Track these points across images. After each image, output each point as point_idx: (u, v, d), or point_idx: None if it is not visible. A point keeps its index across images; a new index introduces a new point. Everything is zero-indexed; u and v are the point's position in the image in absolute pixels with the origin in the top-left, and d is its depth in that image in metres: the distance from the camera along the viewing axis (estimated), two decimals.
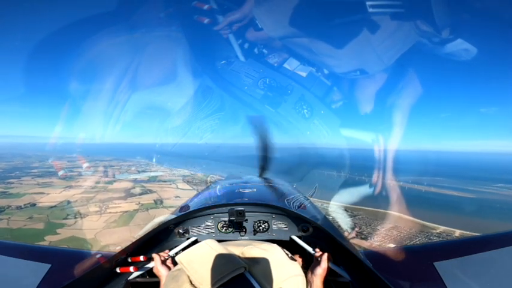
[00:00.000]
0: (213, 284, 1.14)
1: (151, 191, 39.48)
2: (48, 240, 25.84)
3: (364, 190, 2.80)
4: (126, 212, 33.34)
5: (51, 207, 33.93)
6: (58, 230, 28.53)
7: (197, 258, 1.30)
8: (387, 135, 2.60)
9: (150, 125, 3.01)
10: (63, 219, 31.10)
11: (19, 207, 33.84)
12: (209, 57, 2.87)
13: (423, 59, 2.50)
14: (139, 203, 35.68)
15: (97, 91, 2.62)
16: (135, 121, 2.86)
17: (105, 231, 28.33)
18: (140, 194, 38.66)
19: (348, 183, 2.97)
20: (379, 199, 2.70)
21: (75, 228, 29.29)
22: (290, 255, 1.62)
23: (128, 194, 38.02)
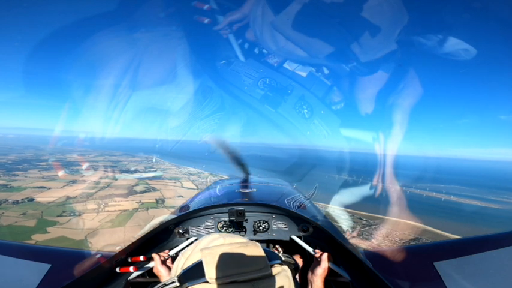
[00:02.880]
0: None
1: (154, 189, 38.67)
2: (35, 240, 24.90)
3: (376, 196, 2.75)
4: (124, 211, 32.44)
5: (49, 202, 33.03)
6: (48, 229, 27.51)
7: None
8: (387, 136, 2.59)
9: (151, 123, 3.02)
10: (57, 216, 30.10)
11: (16, 202, 32.89)
12: (209, 57, 2.88)
13: (427, 61, 2.50)
14: (140, 202, 34.97)
15: (102, 88, 2.64)
16: (136, 119, 2.88)
17: (97, 232, 27.37)
18: (143, 192, 37.70)
19: (360, 189, 2.90)
20: (396, 207, 2.63)
21: (66, 227, 28.26)
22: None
23: (131, 192, 37.14)
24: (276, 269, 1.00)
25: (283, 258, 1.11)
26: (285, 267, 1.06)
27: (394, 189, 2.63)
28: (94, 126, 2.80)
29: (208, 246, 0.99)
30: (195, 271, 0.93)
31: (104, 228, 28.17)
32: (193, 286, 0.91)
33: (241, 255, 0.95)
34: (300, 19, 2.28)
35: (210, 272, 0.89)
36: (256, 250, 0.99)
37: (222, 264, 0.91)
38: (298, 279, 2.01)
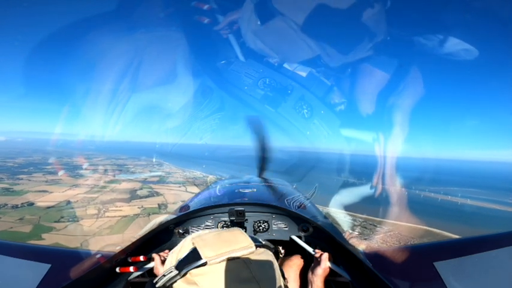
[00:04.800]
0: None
1: (158, 194, 37.95)
2: None
3: (385, 200, 2.70)
4: (125, 216, 31.65)
5: (49, 207, 32.42)
6: (43, 235, 26.88)
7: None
8: (392, 137, 2.56)
9: (151, 124, 3.02)
10: (55, 222, 29.38)
11: (15, 207, 32.35)
12: (209, 57, 2.88)
13: (433, 61, 2.48)
14: (142, 207, 34.41)
15: (105, 91, 2.64)
16: (140, 121, 2.87)
17: (94, 239, 26.68)
18: (146, 197, 37.00)
19: (369, 192, 2.85)
20: (409, 212, 2.57)
21: (62, 233, 27.55)
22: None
23: (133, 196, 36.60)
24: (260, 249, 1.11)
25: (263, 242, 1.21)
26: (266, 249, 1.16)
27: (408, 193, 2.58)
28: (100, 129, 2.79)
29: (196, 236, 1.09)
30: (190, 257, 0.99)
31: (102, 235, 27.40)
32: (191, 271, 0.96)
33: (229, 237, 1.07)
34: (302, 19, 2.27)
35: (206, 252, 0.98)
36: (240, 233, 1.12)
37: (214, 245, 1.01)
38: (298, 279, 2.00)
